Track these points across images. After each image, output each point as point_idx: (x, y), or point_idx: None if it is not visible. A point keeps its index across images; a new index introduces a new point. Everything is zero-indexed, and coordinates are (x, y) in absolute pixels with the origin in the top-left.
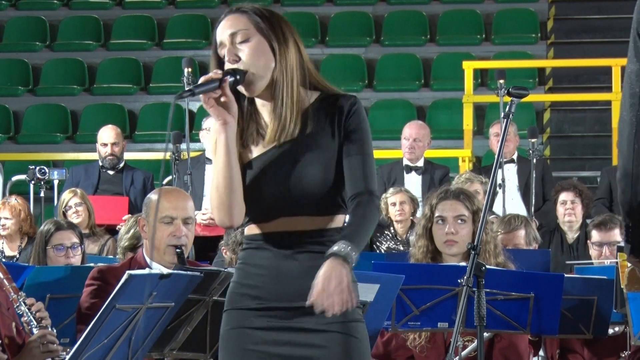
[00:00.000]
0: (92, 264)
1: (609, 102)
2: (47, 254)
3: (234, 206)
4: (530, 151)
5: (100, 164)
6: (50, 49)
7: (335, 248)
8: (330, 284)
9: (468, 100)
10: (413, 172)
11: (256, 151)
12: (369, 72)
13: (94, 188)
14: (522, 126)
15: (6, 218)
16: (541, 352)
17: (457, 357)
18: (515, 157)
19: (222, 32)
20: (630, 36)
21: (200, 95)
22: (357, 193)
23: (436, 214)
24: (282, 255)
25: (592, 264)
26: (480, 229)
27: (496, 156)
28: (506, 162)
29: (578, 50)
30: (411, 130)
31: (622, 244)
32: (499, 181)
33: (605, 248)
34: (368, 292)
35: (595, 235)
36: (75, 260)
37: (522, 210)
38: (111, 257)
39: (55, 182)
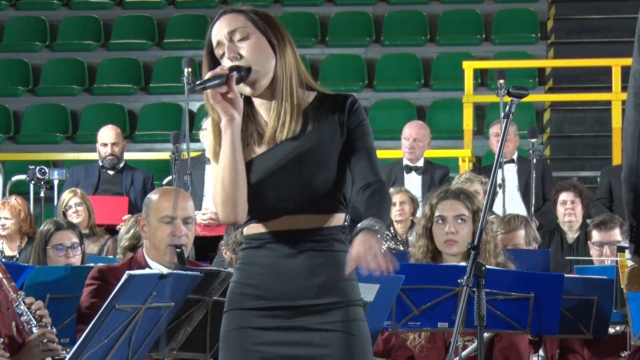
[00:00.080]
0: (92, 264)
1: (609, 102)
2: (47, 254)
3: (239, 202)
4: (530, 151)
5: (100, 164)
6: (50, 49)
7: (364, 223)
8: (363, 250)
9: (468, 100)
10: (413, 172)
11: (257, 150)
12: (369, 72)
13: (94, 188)
14: (522, 126)
15: (6, 218)
16: (541, 352)
17: (457, 357)
18: (515, 157)
19: (219, 31)
20: (635, 35)
21: (208, 91)
22: (368, 182)
23: (436, 214)
24: (284, 254)
25: (592, 262)
26: (481, 229)
27: (496, 156)
28: (506, 162)
29: (578, 50)
30: (411, 130)
31: (623, 243)
32: (499, 181)
33: (605, 248)
34: (368, 292)
35: (595, 235)
36: (75, 260)
37: (522, 210)
38: (111, 257)
39: (55, 182)
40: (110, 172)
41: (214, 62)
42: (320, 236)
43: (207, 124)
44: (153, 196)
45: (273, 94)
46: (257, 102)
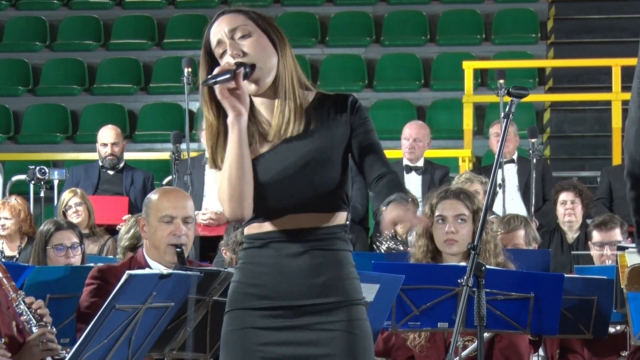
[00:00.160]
0: (92, 264)
1: (609, 102)
2: (47, 254)
3: (246, 198)
4: (530, 151)
5: (100, 164)
6: (50, 49)
7: (392, 196)
8: (402, 210)
9: (468, 100)
10: (413, 172)
11: (260, 149)
12: (369, 72)
13: (94, 188)
14: (522, 126)
15: (6, 218)
16: (541, 352)
17: (457, 357)
18: (515, 157)
19: (219, 30)
20: None
21: (216, 87)
22: (382, 173)
23: (436, 213)
24: (287, 253)
25: (593, 260)
26: (481, 228)
27: (496, 156)
28: (506, 162)
29: (578, 50)
30: (411, 130)
31: (623, 243)
32: (499, 181)
33: (606, 248)
34: (368, 292)
35: (596, 235)
36: (75, 260)
37: (522, 210)
38: (111, 257)
39: (55, 182)
40: (110, 172)
41: (213, 62)
42: (324, 235)
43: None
44: (153, 196)
45: (275, 92)
46: (257, 101)
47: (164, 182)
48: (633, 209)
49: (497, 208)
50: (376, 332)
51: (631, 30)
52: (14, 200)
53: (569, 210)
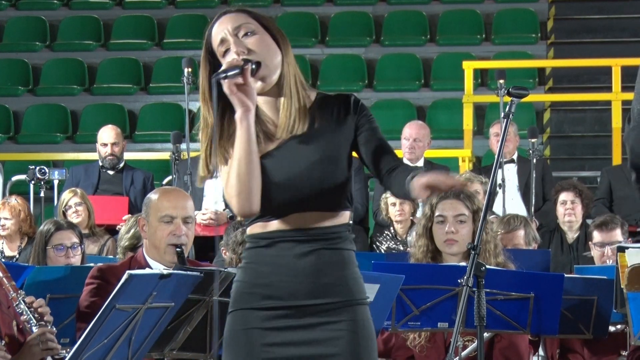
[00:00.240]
0: (92, 264)
1: (609, 102)
2: (47, 254)
3: (255, 193)
4: (530, 151)
5: (100, 164)
6: (50, 49)
7: (416, 172)
8: (435, 173)
9: (468, 100)
10: None
11: (265, 148)
12: (369, 72)
13: (94, 188)
14: (522, 126)
15: (6, 218)
16: (541, 352)
17: (457, 357)
18: (515, 157)
19: (222, 29)
20: None
21: (224, 82)
22: (395, 165)
23: (436, 213)
24: (293, 253)
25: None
26: (480, 228)
27: (496, 156)
28: (506, 162)
29: (578, 50)
30: (411, 130)
31: (624, 243)
32: (499, 181)
33: (607, 248)
34: (368, 292)
35: (596, 235)
36: (75, 260)
37: (522, 210)
38: (111, 257)
39: (55, 182)
40: (110, 172)
41: (215, 61)
42: (329, 234)
43: None
44: (153, 196)
45: (279, 91)
46: (260, 100)
47: (164, 182)
48: None
49: (497, 208)
50: (376, 332)
51: (631, 30)
52: (14, 200)
53: (569, 210)
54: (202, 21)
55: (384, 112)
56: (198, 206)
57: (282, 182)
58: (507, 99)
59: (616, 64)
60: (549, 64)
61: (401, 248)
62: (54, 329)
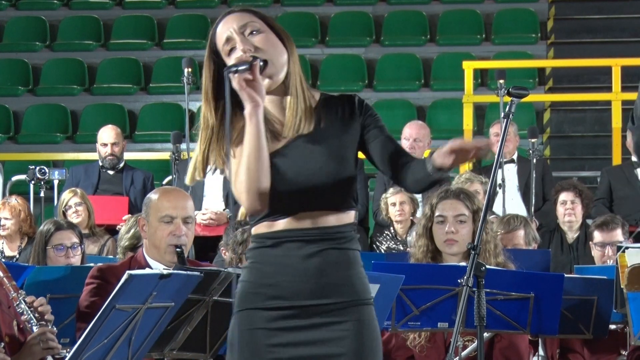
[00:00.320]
0: (92, 264)
1: (609, 102)
2: (47, 254)
3: (265, 190)
4: (530, 151)
5: (100, 164)
6: (50, 49)
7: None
8: (462, 139)
9: (468, 100)
10: None
11: (272, 148)
12: (369, 72)
13: (94, 188)
14: (522, 126)
15: (6, 218)
16: (541, 352)
17: (457, 357)
18: (515, 157)
19: (227, 28)
20: None
21: (234, 77)
22: (408, 158)
23: (436, 213)
24: (300, 253)
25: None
26: (480, 228)
27: (496, 156)
28: (506, 162)
29: (578, 50)
30: (411, 130)
31: (624, 243)
32: (499, 181)
33: (607, 248)
34: None
35: (597, 236)
36: (75, 260)
37: (522, 210)
38: (111, 257)
39: (55, 182)
40: (110, 172)
41: (219, 61)
42: (336, 233)
43: None
44: (153, 196)
45: (285, 90)
46: (266, 99)
47: (164, 182)
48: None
49: (497, 208)
50: None
51: (631, 30)
52: (14, 200)
53: (569, 210)
54: (202, 21)
55: (384, 112)
56: (198, 206)
57: (290, 180)
58: (507, 99)
59: (616, 64)
60: (549, 64)
61: (401, 248)
62: (55, 328)
